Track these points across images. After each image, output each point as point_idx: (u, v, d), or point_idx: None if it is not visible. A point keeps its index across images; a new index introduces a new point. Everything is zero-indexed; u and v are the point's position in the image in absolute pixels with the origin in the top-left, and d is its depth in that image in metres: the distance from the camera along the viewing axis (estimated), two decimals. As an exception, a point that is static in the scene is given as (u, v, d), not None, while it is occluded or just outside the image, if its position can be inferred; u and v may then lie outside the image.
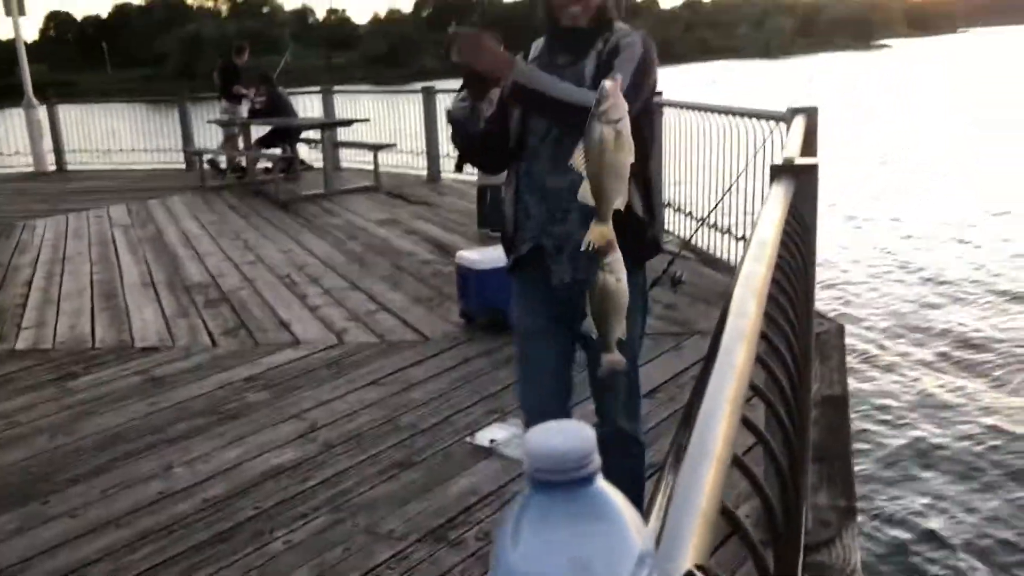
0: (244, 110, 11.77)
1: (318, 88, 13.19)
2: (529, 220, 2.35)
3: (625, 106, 1.58)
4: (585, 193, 1.56)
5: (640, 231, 2.31)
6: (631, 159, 1.58)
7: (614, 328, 1.69)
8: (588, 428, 0.36)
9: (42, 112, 13.34)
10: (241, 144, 11.55)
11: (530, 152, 2.31)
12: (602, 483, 0.36)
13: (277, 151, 11.38)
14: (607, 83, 1.56)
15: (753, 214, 5.15)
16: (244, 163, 11.72)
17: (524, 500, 0.36)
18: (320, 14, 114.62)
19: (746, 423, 1.06)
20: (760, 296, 1.39)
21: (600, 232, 1.55)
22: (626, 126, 1.56)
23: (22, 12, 13.11)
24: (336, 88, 13.21)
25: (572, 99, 2.10)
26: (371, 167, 10.24)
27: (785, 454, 1.28)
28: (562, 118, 2.17)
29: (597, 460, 0.36)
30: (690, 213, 6.28)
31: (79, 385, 4.44)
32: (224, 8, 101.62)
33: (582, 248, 1.90)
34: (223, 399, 4.14)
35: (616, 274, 1.59)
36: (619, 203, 1.57)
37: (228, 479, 3.34)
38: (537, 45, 2.39)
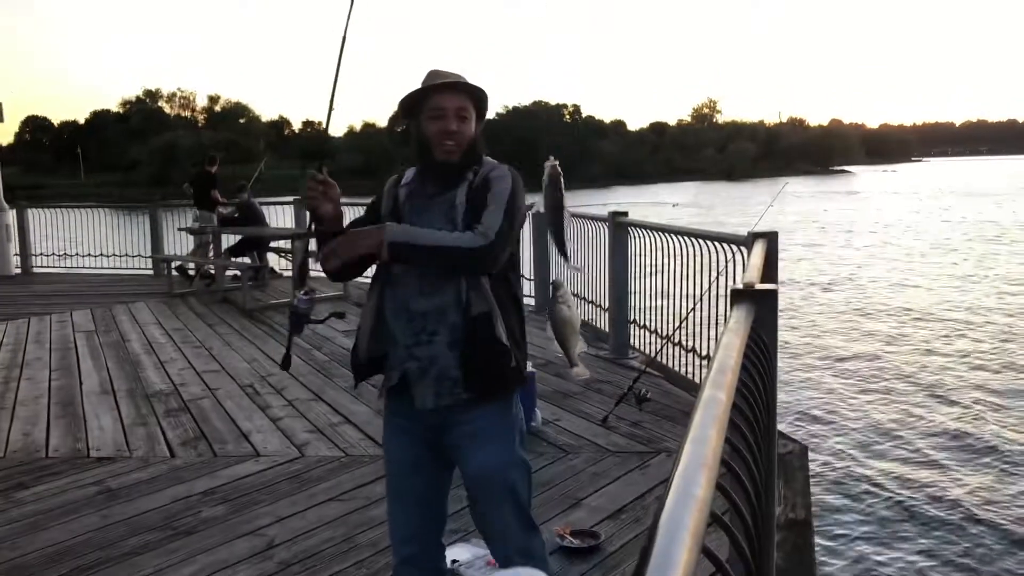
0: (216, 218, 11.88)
1: (291, 198, 13.34)
2: (396, 347, 2.38)
3: (570, 296, 2.51)
4: (557, 348, 2.47)
5: (501, 358, 2.33)
6: (579, 320, 2.41)
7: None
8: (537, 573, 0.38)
9: (11, 216, 13.33)
10: (211, 252, 11.60)
11: (395, 278, 2.38)
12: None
13: (246, 260, 11.42)
14: (558, 280, 2.57)
15: (716, 333, 5.23)
16: (212, 270, 11.73)
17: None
18: (296, 125, 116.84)
19: (707, 554, 1.06)
20: (720, 423, 1.41)
21: (577, 372, 2.55)
22: (572, 301, 2.52)
23: (0, 119, 13.24)
24: (308, 199, 13.33)
25: (446, 243, 2.27)
26: (340, 278, 10.26)
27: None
28: (440, 263, 2.30)
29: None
30: (655, 331, 6.35)
31: (28, 496, 4.30)
32: (201, 118, 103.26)
33: (448, 386, 2.34)
34: (178, 513, 4.03)
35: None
36: (581, 347, 2.54)
37: (179, 598, 3.22)
38: (408, 173, 2.50)
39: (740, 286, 2.45)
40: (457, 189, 2.38)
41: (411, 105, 2.40)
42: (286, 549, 3.60)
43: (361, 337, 2.45)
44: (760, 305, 2.40)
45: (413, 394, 2.35)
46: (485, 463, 2.39)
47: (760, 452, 1.70)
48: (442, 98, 2.34)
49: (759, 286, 2.50)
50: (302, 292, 2.56)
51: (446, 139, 2.34)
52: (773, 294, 2.53)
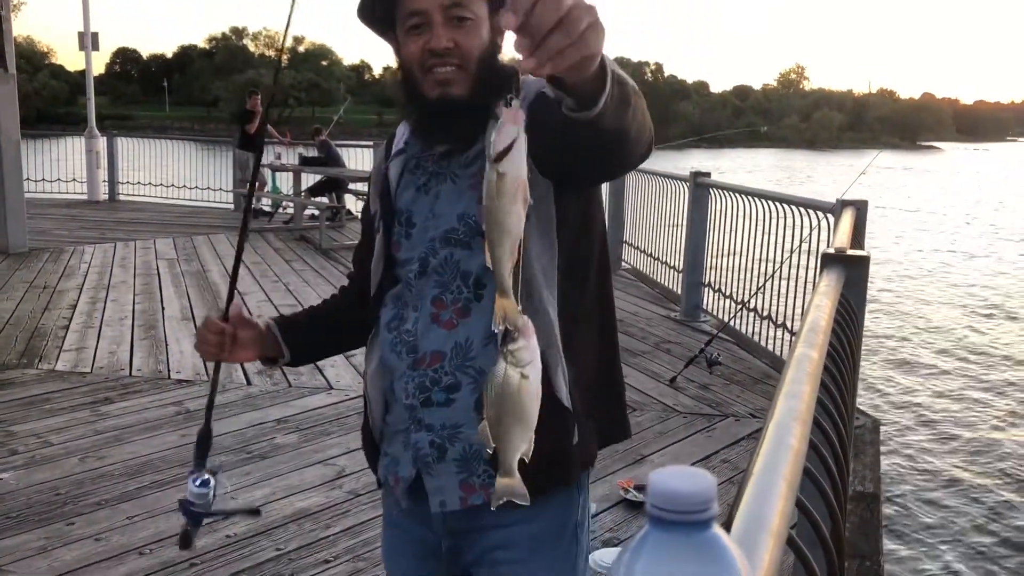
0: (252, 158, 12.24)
1: (370, 142, 13.48)
2: (395, 404, 1.50)
3: (536, 348, 1.05)
4: (484, 436, 1.08)
5: (559, 430, 1.40)
6: (537, 408, 1.06)
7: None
8: (710, 476, 0.38)
9: (101, 143, 13.73)
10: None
11: (397, 293, 1.51)
12: (719, 530, 0.38)
13: (324, 200, 11.61)
14: (521, 319, 1.02)
15: (795, 302, 5.15)
16: (268, 209, 12.16)
17: (642, 535, 0.38)
18: (377, 71, 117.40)
19: (799, 505, 1.06)
20: (813, 380, 1.40)
21: (506, 486, 1.12)
22: (535, 371, 1.05)
23: (95, 48, 13.58)
24: (387, 143, 13.49)
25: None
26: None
27: (830, 539, 1.27)
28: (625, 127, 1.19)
29: (716, 508, 0.38)
30: (730, 295, 6.28)
31: (113, 411, 4.49)
32: (284, 58, 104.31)
33: (482, 472, 1.40)
34: (252, 438, 4.17)
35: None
36: (524, 451, 1.10)
37: (251, 518, 3.34)
38: (399, 132, 1.58)
39: (831, 251, 2.41)
40: (480, 142, 1.30)
41: (380, 14, 1.44)
42: (355, 480, 3.70)
43: (370, 409, 1.57)
44: (851, 271, 2.36)
45: (426, 488, 1.46)
46: None
47: (846, 414, 1.69)
48: None
49: (851, 251, 2.46)
50: (192, 477, 1.71)
51: (435, 63, 1.37)
52: (865, 260, 2.48)
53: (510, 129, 0.96)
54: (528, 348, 1.06)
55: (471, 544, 1.49)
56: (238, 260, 1.75)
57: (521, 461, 1.12)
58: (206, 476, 1.69)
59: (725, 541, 0.37)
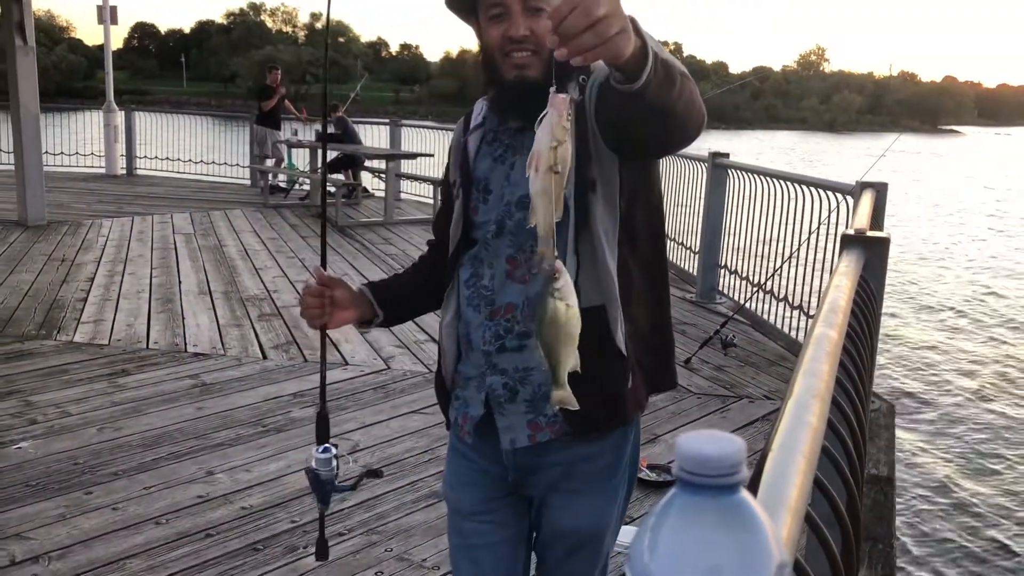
0: (277, 135, 12.40)
1: (386, 120, 13.47)
2: (472, 355, 1.65)
3: (572, 287, 1.30)
4: (541, 359, 1.35)
5: (615, 373, 1.58)
6: (578, 325, 1.31)
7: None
8: (740, 440, 0.38)
9: (119, 118, 13.77)
10: (270, 163, 12.27)
11: (477, 258, 1.65)
12: (746, 494, 0.38)
13: (340, 177, 11.61)
14: (557, 263, 1.27)
15: (812, 284, 5.13)
16: (284, 185, 12.27)
17: (669, 498, 0.38)
18: (394, 48, 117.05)
19: (817, 483, 1.06)
20: (832, 359, 1.39)
21: (560, 397, 1.38)
22: (575, 301, 1.30)
23: (114, 22, 13.59)
24: (404, 122, 13.48)
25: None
26: (430, 200, 10.38)
27: (845, 518, 1.27)
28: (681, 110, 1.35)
29: (745, 472, 0.38)
30: (746, 277, 6.25)
31: (130, 383, 4.53)
32: (301, 35, 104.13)
33: (549, 412, 1.55)
34: (268, 411, 4.19)
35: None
36: (572, 366, 1.35)
37: (267, 490, 3.37)
38: (477, 108, 1.74)
39: (851, 232, 2.40)
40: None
41: (465, 1, 1.60)
42: (370, 454, 3.73)
43: (444, 358, 1.72)
44: (871, 252, 2.34)
45: (498, 426, 1.63)
46: (577, 527, 1.69)
47: (864, 395, 1.68)
48: None
49: (871, 233, 2.44)
50: (319, 448, 1.81)
51: (513, 49, 1.52)
52: (885, 242, 2.46)
53: (553, 114, 1.18)
54: (567, 285, 1.31)
55: (537, 478, 1.67)
56: (324, 231, 1.96)
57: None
58: (327, 445, 1.81)
59: (753, 505, 0.37)
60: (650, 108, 1.29)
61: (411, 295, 1.85)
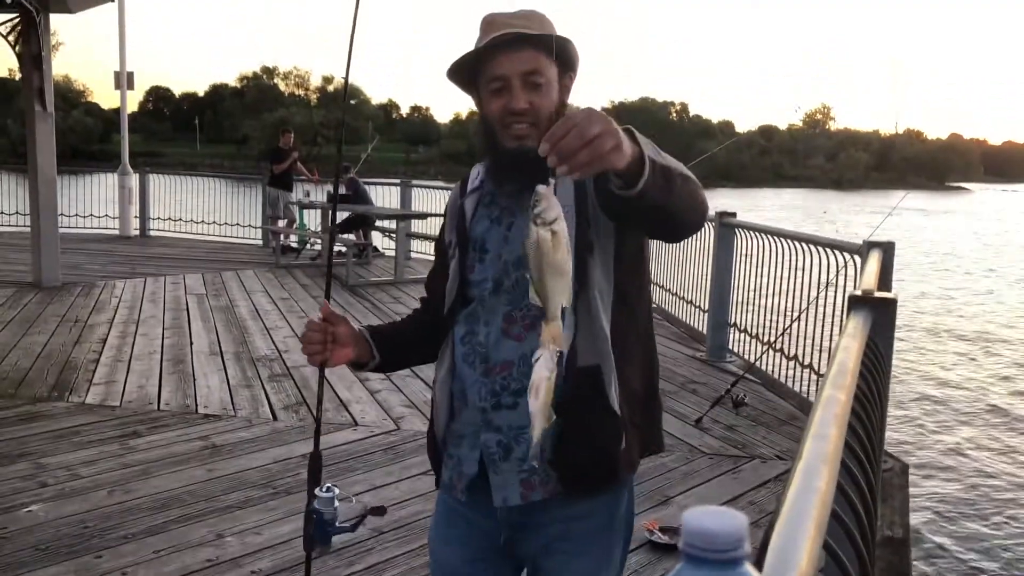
0: (289, 196, 12.74)
1: (397, 181, 13.64)
2: (466, 409, 1.68)
3: (558, 207, 1.28)
4: (533, 295, 1.33)
5: (608, 435, 1.61)
6: (570, 260, 1.31)
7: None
8: (742, 516, 0.40)
9: (134, 180, 13.98)
10: (282, 223, 12.56)
11: (472, 315, 1.68)
12: (750, 568, 0.39)
13: (351, 237, 11.72)
14: (540, 187, 1.28)
15: (821, 343, 5.13)
16: (295, 245, 12.47)
17: (676, 572, 0.40)
18: (404, 110, 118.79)
19: (827, 548, 1.07)
20: (840, 422, 1.40)
21: (551, 331, 1.33)
22: (562, 226, 1.29)
23: (131, 87, 13.89)
24: (414, 182, 13.65)
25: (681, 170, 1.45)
26: (441, 260, 10.44)
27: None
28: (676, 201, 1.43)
29: (747, 547, 0.40)
30: (756, 336, 6.25)
31: (141, 444, 4.54)
32: (314, 97, 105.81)
33: (539, 469, 1.58)
34: (278, 473, 4.19)
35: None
36: (564, 301, 1.32)
37: (277, 553, 3.35)
38: (475, 172, 1.80)
39: (859, 293, 2.41)
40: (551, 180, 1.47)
41: (466, 75, 1.67)
42: (379, 517, 3.70)
43: (436, 415, 1.75)
44: (878, 313, 2.36)
45: (491, 484, 1.64)
46: None
47: (874, 457, 1.68)
48: (499, 63, 1.59)
49: (879, 294, 2.46)
50: (322, 488, 1.81)
51: (513, 121, 1.59)
52: (892, 303, 2.47)
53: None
54: (551, 207, 1.28)
55: (530, 537, 1.68)
56: (330, 272, 2.07)
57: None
58: (329, 485, 1.81)
59: (755, 579, 0.39)
60: (648, 209, 1.39)
61: (407, 344, 1.88)
